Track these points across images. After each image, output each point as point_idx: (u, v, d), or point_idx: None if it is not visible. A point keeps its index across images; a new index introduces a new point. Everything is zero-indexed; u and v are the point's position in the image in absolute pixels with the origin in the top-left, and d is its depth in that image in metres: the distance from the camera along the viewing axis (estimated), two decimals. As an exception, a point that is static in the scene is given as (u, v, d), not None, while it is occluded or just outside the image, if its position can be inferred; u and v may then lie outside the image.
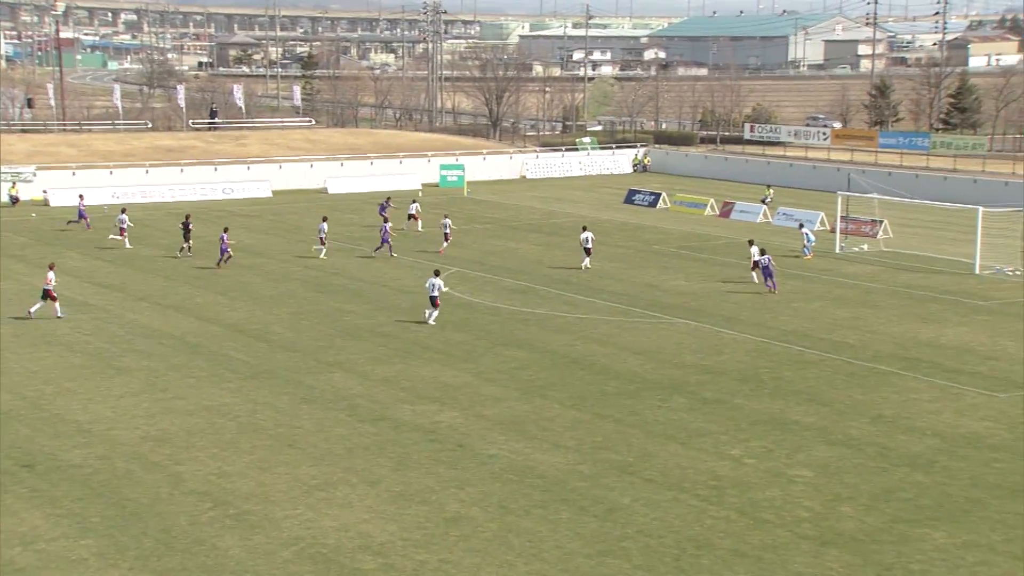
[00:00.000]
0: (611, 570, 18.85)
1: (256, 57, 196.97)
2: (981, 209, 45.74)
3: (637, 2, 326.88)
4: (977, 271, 44.61)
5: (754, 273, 42.28)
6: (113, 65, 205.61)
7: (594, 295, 40.69)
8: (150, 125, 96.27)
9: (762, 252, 41.39)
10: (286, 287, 42.18)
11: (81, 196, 58.63)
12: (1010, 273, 44.50)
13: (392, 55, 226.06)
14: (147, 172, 71.27)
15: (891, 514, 21.02)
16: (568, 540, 20.00)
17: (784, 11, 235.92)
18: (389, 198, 59.77)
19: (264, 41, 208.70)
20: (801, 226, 51.13)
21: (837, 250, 50.03)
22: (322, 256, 47.82)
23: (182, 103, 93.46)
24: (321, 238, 48.70)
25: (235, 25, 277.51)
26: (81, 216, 56.00)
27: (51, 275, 36.20)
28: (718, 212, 63.01)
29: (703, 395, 28.52)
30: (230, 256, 45.69)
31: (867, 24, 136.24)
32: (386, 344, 33.81)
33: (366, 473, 23.22)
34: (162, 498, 21.86)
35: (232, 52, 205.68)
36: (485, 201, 69.34)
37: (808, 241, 48.62)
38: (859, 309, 38.37)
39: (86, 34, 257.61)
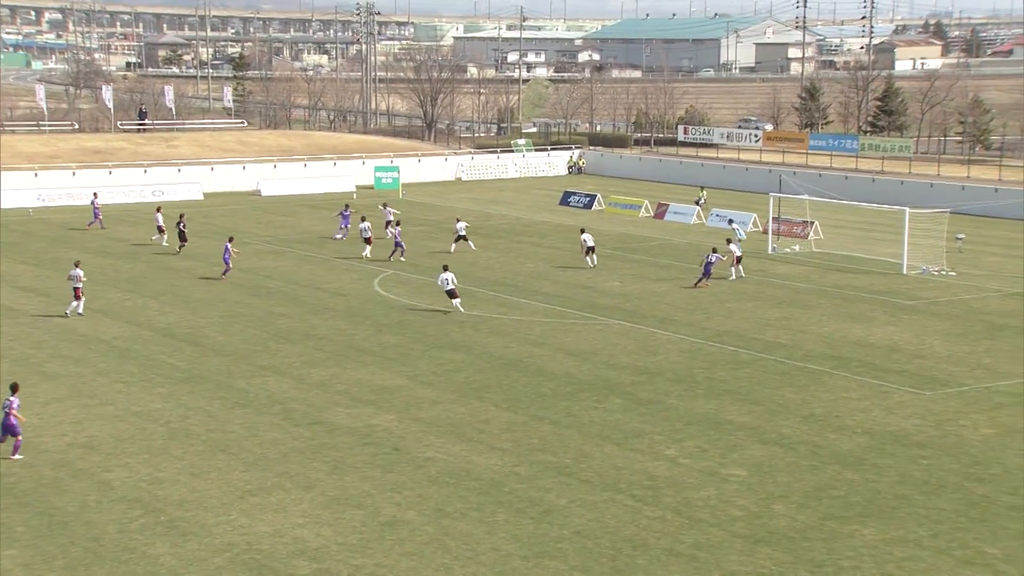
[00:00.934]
0: (548, 572, 18.90)
1: (186, 57, 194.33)
2: (908, 210, 46.65)
3: (571, 4, 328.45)
4: (904, 271, 45.50)
5: (733, 269, 43.79)
6: (37, 65, 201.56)
7: (530, 297, 40.78)
8: (76, 126, 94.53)
9: (714, 251, 43.02)
10: (218, 290, 41.68)
11: (95, 194, 58.90)
12: (935, 273, 45.45)
13: (325, 56, 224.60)
14: (74, 174, 69.98)
15: (822, 512, 21.35)
16: (505, 542, 20.02)
17: (716, 14, 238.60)
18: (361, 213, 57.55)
19: (194, 41, 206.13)
20: (731, 221, 51.94)
21: (769, 251, 50.71)
22: (366, 255, 47.86)
23: (110, 104, 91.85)
24: (367, 238, 48.40)
25: (164, 25, 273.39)
26: (96, 216, 56.49)
27: (79, 272, 36.97)
28: (652, 213, 63.52)
29: (638, 396, 28.72)
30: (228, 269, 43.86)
31: (796, 27, 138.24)
32: (321, 347, 33.57)
33: (301, 477, 23.03)
34: (90, 506, 21.47)
35: (161, 52, 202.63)
36: (420, 203, 69.18)
37: (739, 237, 49.25)
38: (791, 309, 38.92)
39: (8, 33, 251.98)
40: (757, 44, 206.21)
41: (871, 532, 20.41)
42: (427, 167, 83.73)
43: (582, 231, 47.76)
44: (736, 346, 33.74)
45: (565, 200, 69.47)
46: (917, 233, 47.35)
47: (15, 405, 23.78)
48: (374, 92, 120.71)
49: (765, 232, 53.64)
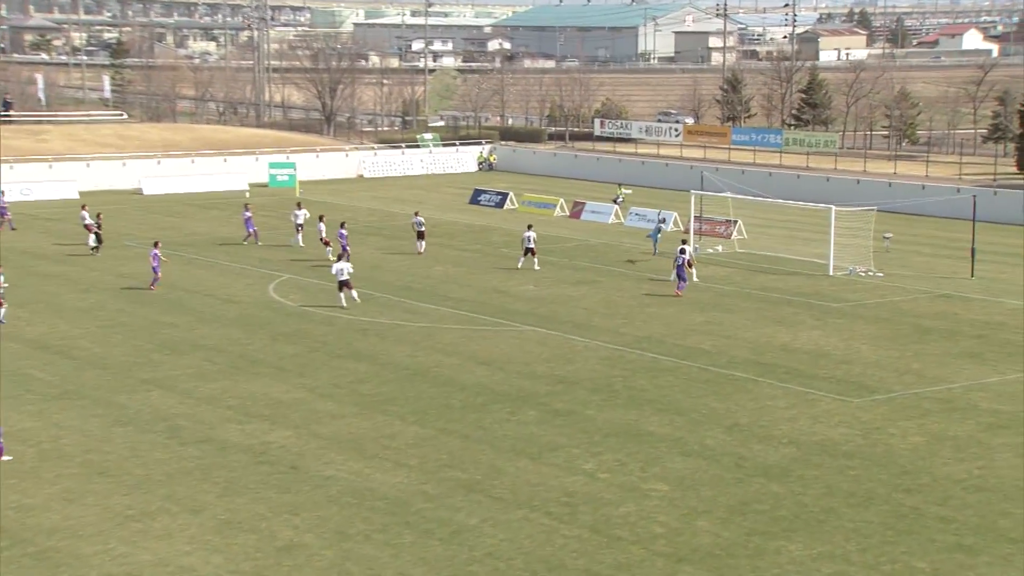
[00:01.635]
0: (458, 597, 18.87)
1: (56, 43, 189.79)
2: (834, 208, 47.66)
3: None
4: (831, 272, 46.47)
5: (693, 270, 43.66)
6: None
7: (438, 302, 40.73)
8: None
9: (682, 250, 42.40)
10: (95, 298, 40.82)
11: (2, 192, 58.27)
12: (863, 274, 46.52)
13: (213, 43, 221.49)
14: (-68, 170, 67.96)
15: (747, 527, 21.67)
16: (411, 566, 19.93)
17: (633, 1, 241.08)
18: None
19: (65, 25, 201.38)
20: (663, 221, 52.48)
21: (691, 251, 51.29)
22: (329, 258, 47.05)
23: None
24: (323, 239, 48.31)
25: (30, 6, 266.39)
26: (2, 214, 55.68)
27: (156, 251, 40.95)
28: (568, 213, 63.93)
29: (554, 406, 28.84)
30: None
31: (717, 16, 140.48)
32: (210, 359, 33.09)
33: (188, 501, 22.66)
34: (-47, 537, 20.84)
35: (28, 36, 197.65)
36: (319, 202, 68.55)
37: (655, 238, 50.05)
38: (714, 313, 39.48)
39: None
40: (676, 33, 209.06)
41: (797, 548, 20.78)
42: (326, 163, 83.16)
43: (528, 227, 47.81)
44: (657, 353, 34.10)
45: (475, 199, 69.56)
46: (844, 232, 48.41)
47: None
48: (267, 83, 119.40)
49: (687, 232, 54.32)
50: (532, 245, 46.26)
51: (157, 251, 42.29)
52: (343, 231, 47.39)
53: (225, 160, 78.81)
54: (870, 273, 46.62)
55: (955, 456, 25.44)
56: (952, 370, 32.52)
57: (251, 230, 52.57)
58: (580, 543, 20.89)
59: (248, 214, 53.17)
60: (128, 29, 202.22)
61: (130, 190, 72.34)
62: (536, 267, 46.26)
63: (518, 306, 40.31)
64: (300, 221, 52.24)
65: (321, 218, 49.83)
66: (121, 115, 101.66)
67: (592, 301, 41.23)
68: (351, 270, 39.61)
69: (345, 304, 39.14)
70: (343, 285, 39.29)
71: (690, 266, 43.16)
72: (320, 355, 33.56)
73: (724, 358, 33.58)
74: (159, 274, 42.29)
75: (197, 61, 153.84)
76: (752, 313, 39.52)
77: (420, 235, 50.45)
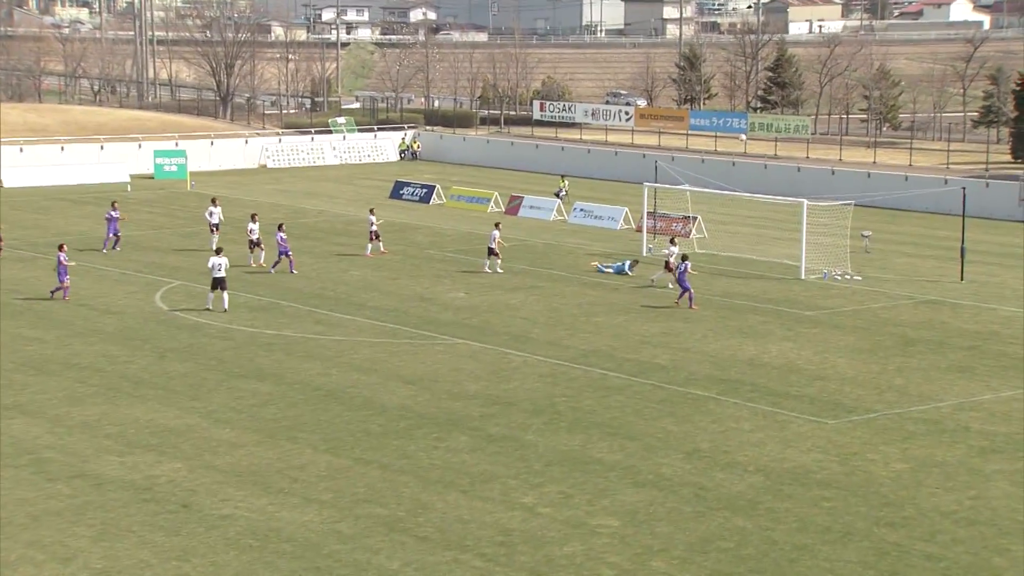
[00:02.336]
0: (378, 653, 18.83)
1: None
2: (806, 203, 48.28)
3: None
4: (803, 276, 47.05)
5: (663, 274, 44.01)
6: None
7: (355, 312, 40.63)
8: None
9: (684, 258, 42.05)
10: (-50, 309, 40.15)
11: None
12: (839, 278, 47.15)
13: (86, 10, 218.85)
14: None
15: (709, 567, 21.85)
16: (323, 619, 19.85)
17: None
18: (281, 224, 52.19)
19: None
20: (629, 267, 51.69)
21: (644, 252, 51.71)
22: (260, 263, 47.29)
23: None
24: (253, 240, 47.64)
25: None
26: None
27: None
28: (504, 208, 64.09)
29: (489, 431, 28.89)
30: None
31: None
32: (85, 380, 32.73)
33: (57, 547, 22.38)
34: None
35: None
36: (217, 196, 68.06)
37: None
38: (671, 323, 39.78)
39: None
40: (626, 2, 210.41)
41: (767, 589, 20.99)
42: (222, 151, 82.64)
43: (496, 225, 48.34)
44: (606, 368, 34.29)
45: (397, 192, 69.51)
46: (817, 230, 49.02)
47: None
48: (152, 57, 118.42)
49: (639, 230, 54.70)
50: (493, 244, 47.01)
51: (63, 256, 41.52)
52: (282, 234, 46.53)
53: (102, 147, 77.98)
54: (847, 276, 47.26)
55: (944, 485, 25.85)
56: (940, 387, 33.06)
57: (112, 234, 50.70)
58: (518, 589, 20.94)
59: (115, 214, 51.02)
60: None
61: (-10, 183, 71.33)
62: (499, 269, 47.02)
63: (446, 316, 40.32)
64: (215, 220, 51.33)
65: (253, 217, 48.62)
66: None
67: (531, 310, 41.35)
68: (227, 267, 40.07)
69: (212, 307, 39.99)
70: (217, 284, 39.86)
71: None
72: (216, 374, 33.31)
73: (682, 374, 33.85)
74: (66, 283, 41.51)
75: (66, 31, 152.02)
76: (714, 323, 39.88)
77: (374, 235, 50.40)
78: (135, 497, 24.74)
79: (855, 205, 52.72)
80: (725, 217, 57.83)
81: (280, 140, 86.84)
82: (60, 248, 42.10)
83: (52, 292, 41.80)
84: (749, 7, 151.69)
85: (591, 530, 23.35)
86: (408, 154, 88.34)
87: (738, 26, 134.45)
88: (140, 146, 78.68)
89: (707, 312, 41.37)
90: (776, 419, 30.09)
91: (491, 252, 47.05)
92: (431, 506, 24.41)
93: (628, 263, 47.67)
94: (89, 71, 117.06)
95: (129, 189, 70.72)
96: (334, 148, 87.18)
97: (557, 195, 65.38)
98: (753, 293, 44.43)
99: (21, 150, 75.36)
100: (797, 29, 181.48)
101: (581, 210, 61.59)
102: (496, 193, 65.89)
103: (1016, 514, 24.35)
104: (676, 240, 45.69)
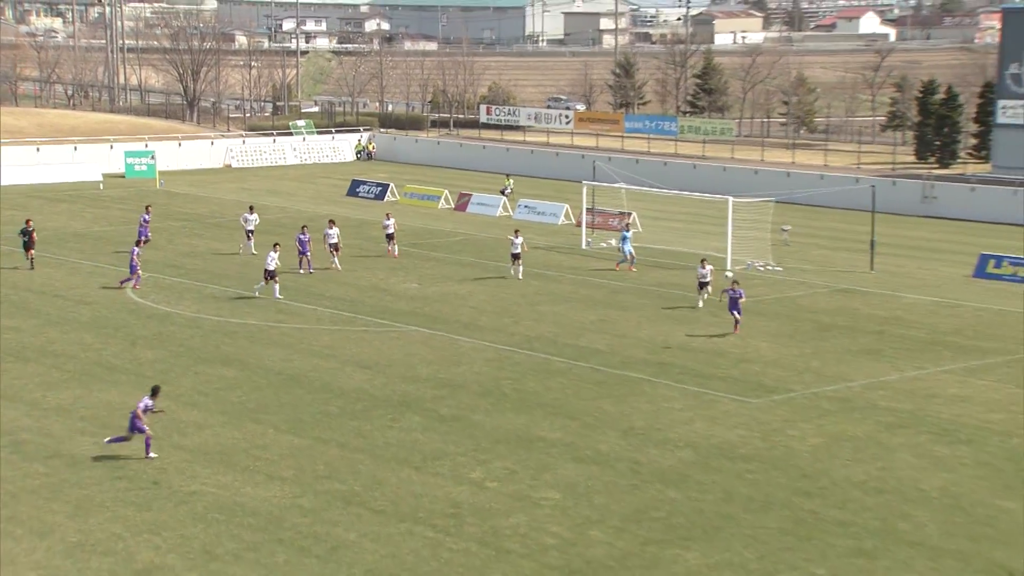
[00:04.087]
0: (336, 618, 18.78)
1: None
2: (731, 199, 48.57)
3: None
4: (729, 266, 47.30)
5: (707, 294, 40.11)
6: None
7: (314, 302, 40.40)
8: None
9: (735, 282, 37.54)
10: (-68, 300, 39.52)
11: None
12: (761, 268, 47.50)
13: (59, 19, 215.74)
14: None
15: (643, 536, 21.98)
16: (286, 587, 19.76)
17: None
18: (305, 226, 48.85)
19: None
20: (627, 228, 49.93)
21: (583, 246, 51.85)
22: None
23: None
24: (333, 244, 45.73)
25: None
26: None
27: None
28: (453, 205, 63.98)
29: (439, 412, 28.86)
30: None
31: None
32: (60, 366, 32.34)
33: (34, 522, 22.12)
34: None
35: None
36: (182, 194, 67.51)
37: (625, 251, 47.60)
38: (608, 311, 39.90)
39: None
40: (566, 14, 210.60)
41: (695, 556, 21.14)
42: (189, 152, 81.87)
43: (516, 232, 45.49)
44: (548, 353, 34.34)
45: (353, 190, 69.23)
46: (742, 225, 49.33)
47: (144, 407, 25.20)
48: (122, 64, 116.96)
49: (578, 225, 54.83)
50: (518, 251, 44.21)
51: (138, 248, 42.35)
52: (304, 236, 44.80)
53: (75, 148, 76.97)
54: (768, 267, 47.62)
55: (854, 457, 26.16)
56: (851, 368, 33.43)
57: (143, 235, 48.47)
58: (467, 557, 20.95)
59: (147, 217, 49.34)
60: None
61: (-31, 181, 70.18)
62: (519, 276, 44.23)
63: (400, 305, 40.21)
64: (251, 227, 48.95)
65: (331, 223, 46.84)
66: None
67: (479, 299, 41.33)
68: (278, 260, 40.24)
69: (260, 294, 40.30)
70: (269, 276, 40.17)
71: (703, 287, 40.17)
72: (184, 360, 33.04)
73: (618, 358, 33.98)
74: (139, 272, 41.83)
75: (41, 39, 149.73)
76: (648, 311, 40.05)
77: (389, 238, 48.67)
78: (108, 475, 24.51)
79: (776, 202, 53.10)
80: (658, 213, 58.01)
81: (244, 142, 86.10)
82: (137, 244, 43.18)
83: (122, 282, 41.91)
84: (678, 19, 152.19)
85: (534, 503, 23.41)
86: (364, 155, 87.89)
87: (668, 37, 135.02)
88: (112, 147, 77.72)
89: (641, 300, 41.52)
90: (704, 399, 30.28)
91: (515, 258, 44.26)
92: (386, 482, 24.36)
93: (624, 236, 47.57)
94: (63, 77, 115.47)
95: (101, 187, 69.94)
96: (295, 149, 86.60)
97: (503, 192, 65.37)
98: (683, 283, 44.61)
99: (-1, 151, 74.17)
100: (722, 40, 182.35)
101: (525, 206, 61.60)
102: (446, 191, 65.75)
103: (919, 483, 24.69)
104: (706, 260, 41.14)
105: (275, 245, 40.89)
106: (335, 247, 45.99)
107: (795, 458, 26.08)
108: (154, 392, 25.80)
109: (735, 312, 36.67)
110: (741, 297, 36.70)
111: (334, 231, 46.21)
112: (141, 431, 25.24)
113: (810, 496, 23.95)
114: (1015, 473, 25.34)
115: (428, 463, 25.46)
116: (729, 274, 48.63)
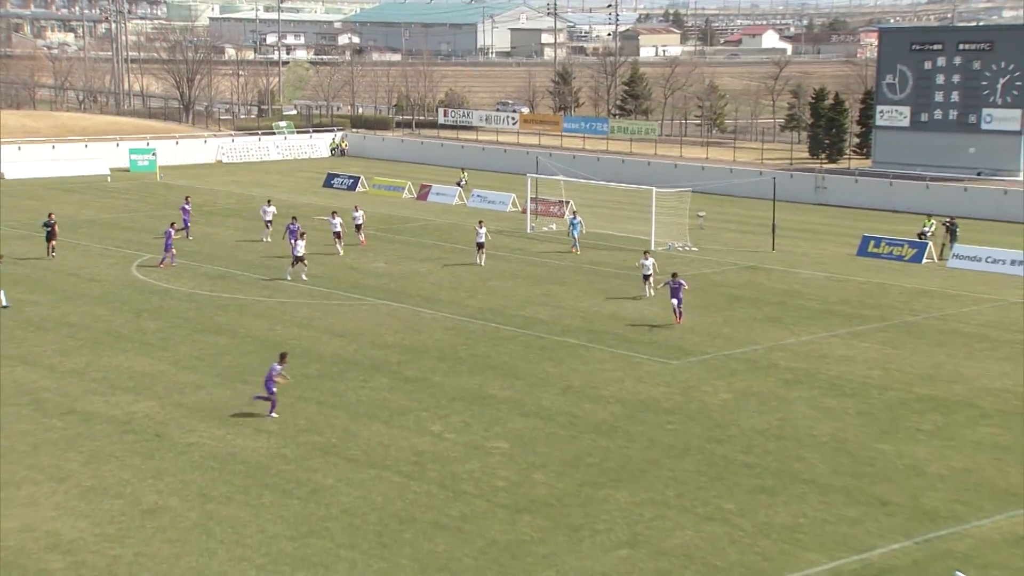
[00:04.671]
0: (314, 550, 18.69)
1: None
2: (655, 190, 48.67)
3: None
4: (653, 247, 47.40)
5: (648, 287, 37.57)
6: None
7: (295, 279, 40.04)
8: None
9: (673, 275, 34.51)
10: (-41, 279, 38.76)
11: None
12: (680, 249, 47.66)
13: (71, 34, 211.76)
14: None
15: (579, 479, 22.04)
16: (271, 524, 19.64)
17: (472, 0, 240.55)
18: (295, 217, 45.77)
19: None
20: (575, 216, 49.36)
21: (528, 230, 51.78)
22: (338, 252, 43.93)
23: None
24: (336, 233, 44.27)
25: None
26: None
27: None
28: (415, 195, 63.61)
29: (404, 374, 28.75)
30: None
31: (548, 14, 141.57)
32: (74, 335, 31.87)
33: (53, 469, 21.83)
34: None
35: None
36: (179, 186, 66.62)
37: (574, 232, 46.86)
38: (549, 286, 39.89)
39: None
40: (512, 29, 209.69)
41: (624, 495, 21.25)
42: (186, 149, 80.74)
43: (480, 223, 43.60)
44: (498, 323, 34.30)
45: (329, 182, 68.63)
46: (663, 211, 49.46)
47: (275, 371, 25.08)
48: (126, 72, 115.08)
49: (524, 212, 54.71)
50: (482, 240, 42.37)
51: (172, 230, 41.57)
52: (294, 226, 42.27)
53: (86, 146, 75.68)
54: (686, 248, 47.79)
55: (758, 409, 26.38)
56: (756, 333, 33.67)
57: (186, 222, 47.36)
58: (429, 498, 20.92)
59: (187, 207, 48.36)
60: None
61: (-8, 174, 68.90)
62: (482, 263, 42.40)
63: (369, 282, 39.97)
64: (269, 218, 47.77)
65: (334, 212, 46.09)
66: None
67: (438, 276, 41.17)
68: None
69: (291, 278, 39.02)
70: (298, 260, 39.27)
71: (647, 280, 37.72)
72: (182, 330, 32.67)
73: (558, 327, 34.00)
74: (173, 250, 41.27)
75: (56, 51, 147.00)
76: (583, 285, 40.08)
77: (357, 228, 46.67)
78: (117, 429, 24.22)
79: (692, 191, 53.28)
80: (591, 201, 58.02)
81: (233, 140, 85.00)
82: (172, 225, 42.50)
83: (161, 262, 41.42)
84: (609, 35, 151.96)
85: (486, 451, 23.40)
86: (337, 151, 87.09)
87: (600, 50, 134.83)
88: (118, 145, 76.47)
89: (578, 277, 41.54)
90: (632, 361, 30.37)
91: (480, 247, 42.45)
92: (358, 434, 24.25)
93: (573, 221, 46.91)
94: (75, 84, 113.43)
95: (109, 180, 68.88)
96: (277, 147, 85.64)
97: (458, 184, 65.05)
98: (614, 262, 44.71)
99: (19, 148, 72.82)
100: (646, 52, 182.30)
101: (478, 196, 61.36)
102: (409, 182, 65.34)
103: (812, 430, 24.96)
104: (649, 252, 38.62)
105: (303, 235, 40.07)
106: (338, 235, 44.64)
107: (709, 411, 26.26)
108: (282, 358, 25.57)
109: (676, 301, 33.81)
110: (683, 287, 33.94)
111: (337, 220, 45.03)
112: (271, 393, 24.99)
113: (721, 443, 24.14)
114: (890, 421, 25.70)
115: (395, 418, 25.36)
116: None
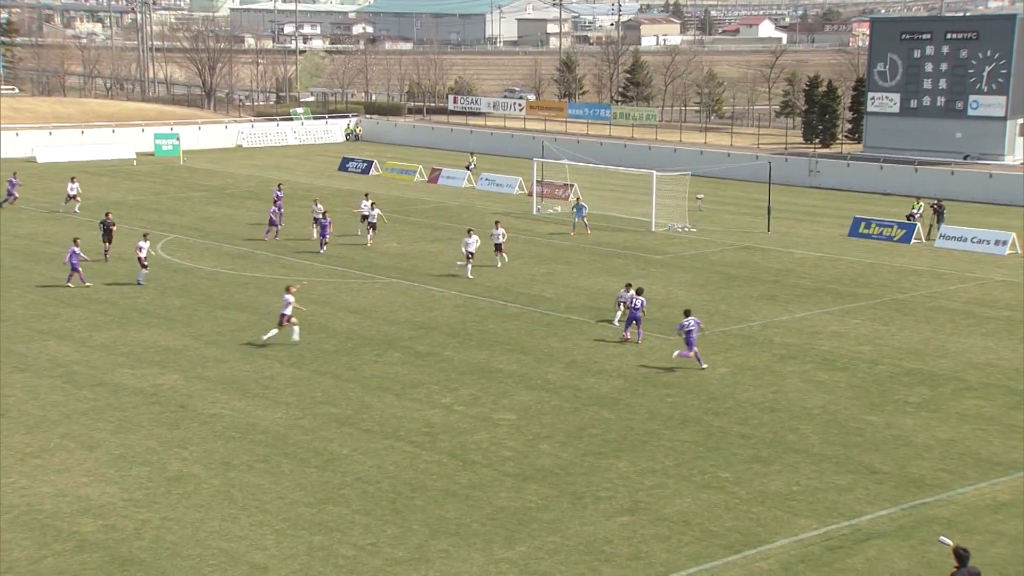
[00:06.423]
0: (331, 516, 18.76)
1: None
2: (655, 173, 48.53)
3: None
4: (654, 228, 47.37)
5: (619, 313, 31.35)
6: None
7: (311, 258, 40.05)
8: None
9: (639, 292, 29.64)
10: (-7, 258, 38.80)
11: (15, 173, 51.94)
12: (680, 229, 47.56)
13: (100, 24, 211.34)
14: None
15: (583, 449, 22.08)
16: (290, 491, 19.72)
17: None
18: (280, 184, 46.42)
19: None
20: (579, 201, 48.80)
21: (534, 212, 51.70)
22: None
23: None
24: (371, 221, 42.07)
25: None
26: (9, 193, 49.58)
27: (288, 298, 28.63)
28: (427, 178, 63.50)
29: (416, 349, 28.77)
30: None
31: (554, 5, 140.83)
32: (103, 311, 31.92)
33: (84, 438, 21.92)
34: None
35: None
36: (202, 169, 66.61)
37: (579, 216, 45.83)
38: (554, 265, 39.84)
39: None
40: (519, 19, 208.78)
41: (625, 464, 21.28)
42: (208, 134, 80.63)
43: (496, 223, 39.86)
44: (506, 300, 34.28)
45: (343, 166, 68.52)
46: (663, 194, 49.36)
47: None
48: (151, 61, 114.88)
49: (530, 194, 54.60)
50: (500, 241, 38.80)
51: (76, 247, 34.48)
52: (317, 207, 41.47)
53: (113, 131, 75.66)
54: (685, 229, 47.69)
55: (754, 383, 26.37)
56: (752, 310, 33.62)
57: (11, 193, 48.11)
58: (439, 467, 20.97)
59: (15, 181, 48.61)
60: (16, 10, 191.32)
61: (24, 158, 68.87)
62: (499, 265, 38.62)
63: (383, 261, 39.95)
64: (366, 212, 43.30)
65: (366, 194, 43.92)
66: (13, 90, 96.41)
67: (449, 256, 41.11)
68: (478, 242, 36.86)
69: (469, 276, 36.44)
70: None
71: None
72: (205, 307, 32.72)
73: (563, 304, 33.98)
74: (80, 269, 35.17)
75: (84, 41, 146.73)
76: (587, 265, 40.03)
77: (371, 226, 42.77)
78: (144, 400, 24.30)
79: (691, 175, 53.15)
80: (595, 184, 57.92)
81: (252, 126, 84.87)
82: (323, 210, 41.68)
83: (266, 234, 41.17)
84: (611, 25, 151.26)
85: (494, 423, 23.44)
86: (352, 136, 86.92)
87: (603, 39, 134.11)
88: (143, 130, 76.43)
89: (581, 256, 41.49)
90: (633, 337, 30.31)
91: (498, 248, 38.87)
92: (372, 406, 24.30)
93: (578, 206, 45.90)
94: (103, 72, 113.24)
95: (135, 164, 68.87)
96: (295, 132, 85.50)
97: (467, 168, 64.92)
98: (616, 242, 44.64)
99: (50, 133, 72.88)
100: (647, 42, 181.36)
101: (486, 179, 61.24)
102: (420, 166, 65.22)
103: (804, 403, 24.95)
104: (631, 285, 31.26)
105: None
106: (373, 225, 42.45)
107: (707, 384, 26.25)
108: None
109: (635, 323, 29.15)
110: (641, 307, 28.84)
111: (367, 204, 42.81)
112: (690, 347, 26.39)
113: (718, 415, 24.14)
114: (880, 393, 25.68)
115: (407, 391, 25.40)
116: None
